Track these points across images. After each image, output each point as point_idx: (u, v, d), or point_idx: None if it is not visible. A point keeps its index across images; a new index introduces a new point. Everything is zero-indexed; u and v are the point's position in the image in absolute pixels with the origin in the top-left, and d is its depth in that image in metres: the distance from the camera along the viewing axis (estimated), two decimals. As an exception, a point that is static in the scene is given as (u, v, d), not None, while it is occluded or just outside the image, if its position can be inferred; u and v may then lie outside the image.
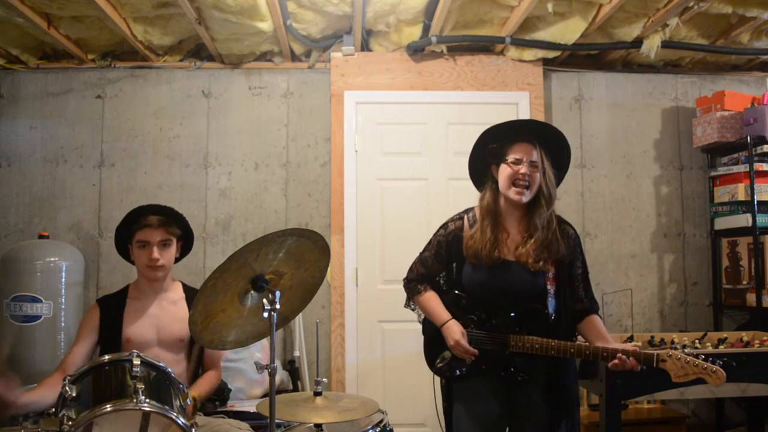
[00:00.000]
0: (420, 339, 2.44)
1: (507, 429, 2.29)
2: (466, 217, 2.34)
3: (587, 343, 2.19)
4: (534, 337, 2.15)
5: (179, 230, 2.48)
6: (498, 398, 2.23)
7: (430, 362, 2.37)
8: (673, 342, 3.15)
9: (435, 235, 2.37)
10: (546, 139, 2.23)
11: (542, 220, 2.19)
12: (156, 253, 2.37)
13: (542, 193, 2.19)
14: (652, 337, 3.28)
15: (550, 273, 2.20)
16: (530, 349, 2.14)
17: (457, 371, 2.25)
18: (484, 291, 2.24)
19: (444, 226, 2.36)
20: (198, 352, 2.48)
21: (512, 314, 2.20)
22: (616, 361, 2.05)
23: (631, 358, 2.04)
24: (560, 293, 2.22)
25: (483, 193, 2.31)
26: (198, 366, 2.50)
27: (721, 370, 1.95)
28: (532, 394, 2.23)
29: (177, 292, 2.53)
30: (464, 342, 2.19)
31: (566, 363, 2.25)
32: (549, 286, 2.20)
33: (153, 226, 2.38)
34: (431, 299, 2.33)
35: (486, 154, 2.27)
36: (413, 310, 2.45)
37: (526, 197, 2.18)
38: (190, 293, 2.52)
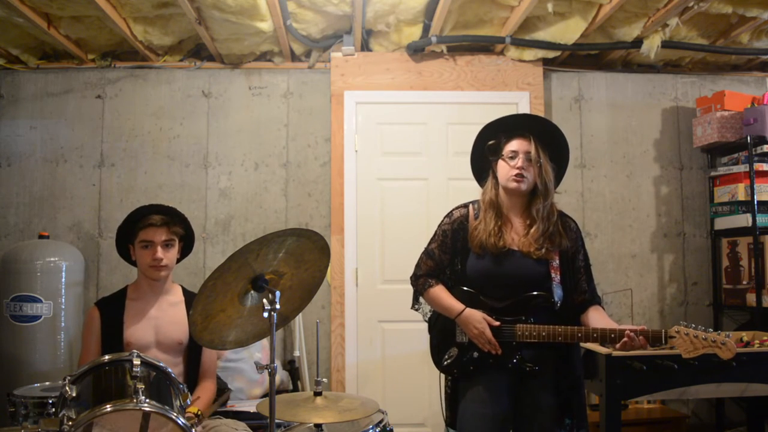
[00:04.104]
0: (420, 339, 2.43)
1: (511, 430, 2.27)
2: (471, 206, 2.36)
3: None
4: (541, 325, 2.16)
5: (182, 230, 2.48)
6: (505, 399, 2.22)
7: (437, 361, 2.34)
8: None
9: (440, 225, 2.38)
10: (543, 135, 2.27)
11: (542, 210, 2.23)
12: (160, 253, 2.37)
13: (539, 184, 2.23)
14: (653, 337, 3.27)
15: (554, 262, 2.22)
16: (537, 337, 2.15)
17: (471, 367, 2.23)
18: (488, 279, 2.25)
19: (449, 214, 2.38)
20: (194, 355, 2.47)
21: (517, 303, 2.20)
22: (625, 339, 2.04)
23: (640, 337, 2.04)
24: (565, 282, 2.24)
25: (485, 188, 2.35)
26: (189, 368, 2.47)
27: (731, 341, 1.94)
28: (539, 395, 2.22)
29: (177, 295, 2.52)
30: (488, 331, 2.17)
31: (572, 359, 2.25)
32: (553, 274, 2.21)
33: (156, 225, 2.38)
34: (441, 292, 2.31)
35: (486, 152, 2.32)
36: (417, 310, 2.44)
37: (524, 185, 2.22)
38: (189, 297, 2.51)
